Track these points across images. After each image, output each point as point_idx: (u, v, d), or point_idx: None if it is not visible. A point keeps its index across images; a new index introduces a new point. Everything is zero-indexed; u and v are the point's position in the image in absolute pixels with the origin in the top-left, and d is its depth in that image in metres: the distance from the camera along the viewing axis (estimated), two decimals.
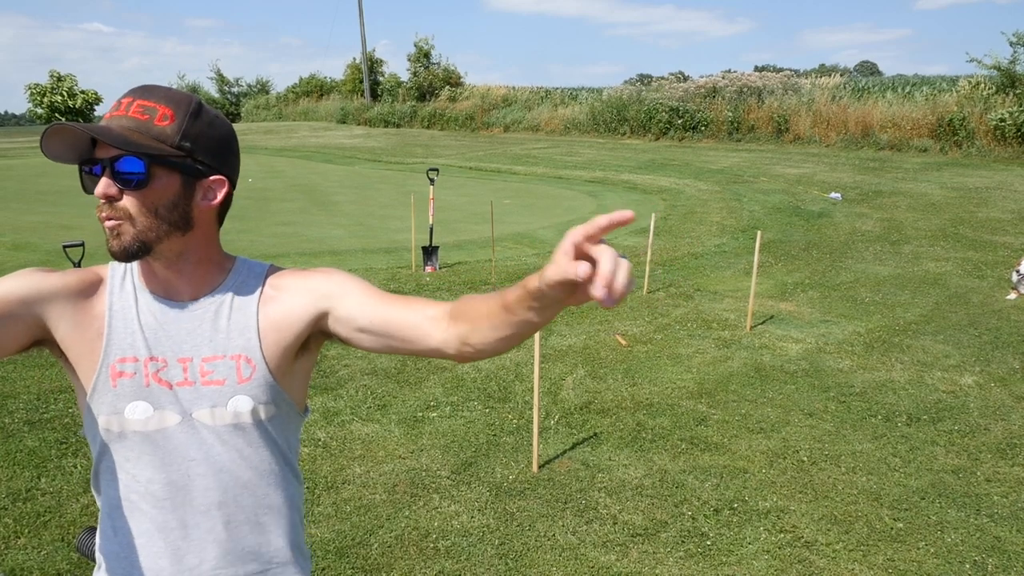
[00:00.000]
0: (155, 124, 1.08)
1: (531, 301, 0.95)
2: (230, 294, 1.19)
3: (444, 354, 1.12)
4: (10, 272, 1.14)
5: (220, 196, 1.16)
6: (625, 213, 0.80)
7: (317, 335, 1.22)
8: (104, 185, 1.06)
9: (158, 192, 1.09)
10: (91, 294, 1.16)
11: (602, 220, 0.82)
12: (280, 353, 1.18)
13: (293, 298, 1.19)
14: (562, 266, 0.84)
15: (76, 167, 1.12)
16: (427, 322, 1.12)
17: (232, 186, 1.18)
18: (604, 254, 0.81)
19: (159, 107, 1.08)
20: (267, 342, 1.17)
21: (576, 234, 0.83)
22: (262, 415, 1.17)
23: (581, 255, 0.84)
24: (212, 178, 1.14)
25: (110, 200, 1.07)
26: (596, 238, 0.83)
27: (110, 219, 1.08)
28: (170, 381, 1.14)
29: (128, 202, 1.08)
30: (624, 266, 0.80)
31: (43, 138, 1.04)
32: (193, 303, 1.17)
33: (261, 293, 1.20)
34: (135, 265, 1.18)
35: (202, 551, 1.17)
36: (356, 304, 1.17)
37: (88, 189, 1.11)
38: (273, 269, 1.25)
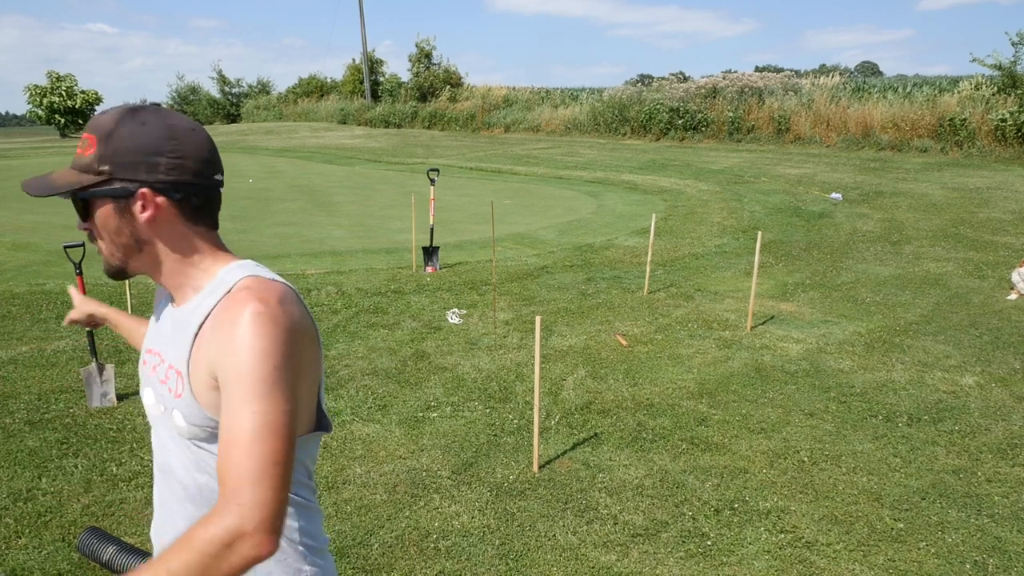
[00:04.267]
0: (84, 155, 1.13)
1: None
2: (194, 306, 1.16)
3: None
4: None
5: (152, 209, 1.12)
6: None
7: None
8: (77, 222, 1.19)
9: (101, 221, 1.15)
10: (157, 302, 1.34)
11: None
12: (204, 387, 1.12)
13: (209, 351, 1.11)
14: None
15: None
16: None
17: (190, 185, 1.13)
18: None
19: (86, 136, 1.13)
20: (193, 371, 1.13)
21: None
22: (195, 434, 1.15)
23: None
24: (141, 191, 1.11)
25: (87, 232, 1.18)
26: None
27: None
28: (161, 376, 1.21)
29: (94, 233, 1.17)
30: None
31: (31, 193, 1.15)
32: (178, 309, 1.21)
33: (208, 315, 1.13)
34: None
35: (175, 532, 1.21)
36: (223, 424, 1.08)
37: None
38: (236, 284, 1.13)
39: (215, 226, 1.21)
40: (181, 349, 1.16)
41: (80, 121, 36.46)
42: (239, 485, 1.00)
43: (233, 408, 1.04)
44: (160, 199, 1.12)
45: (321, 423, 1.24)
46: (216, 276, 1.17)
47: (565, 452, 3.92)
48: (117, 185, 1.10)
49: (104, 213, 1.13)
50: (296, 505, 1.23)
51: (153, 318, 1.32)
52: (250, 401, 1.03)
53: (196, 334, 1.13)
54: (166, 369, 1.19)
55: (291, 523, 1.22)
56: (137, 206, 1.12)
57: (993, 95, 17.98)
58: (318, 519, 1.29)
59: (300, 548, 1.23)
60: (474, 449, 3.95)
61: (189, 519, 1.19)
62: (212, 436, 1.15)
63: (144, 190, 1.11)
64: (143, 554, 2.28)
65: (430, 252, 7.88)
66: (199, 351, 1.12)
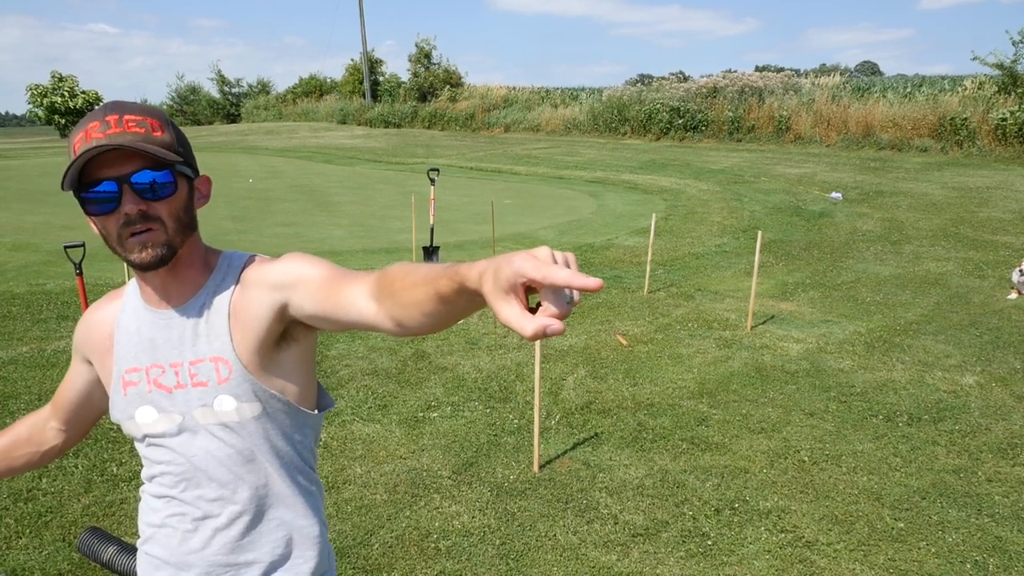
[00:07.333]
0: (154, 135, 1.12)
1: (468, 297, 0.86)
2: (210, 295, 1.21)
3: (382, 330, 1.07)
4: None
5: (204, 198, 1.24)
6: (590, 281, 0.69)
7: (295, 324, 1.20)
8: (135, 200, 1.10)
9: (180, 198, 1.16)
10: (101, 329, 1.29)
11: (560, 275, 0.70)
12: (252, 349, 1.18)
13: (254, 293, 1.18)
14: (511, 318, 0.74)
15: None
16: (361, 302, 1.07)
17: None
18: (553, 298, 0.73)
19: (147, 120, 1.12)
20: (237, 340, 1.18)
21: (528, 273, 0.72)
22: (248, 413, 1.20)
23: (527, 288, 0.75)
24: (200, 177, 1.23)
25: (142, 213, 1.11)
26: (546, 286, 0.73)
27: (143, 231, 1.12)
28: (168, 386, 1.21)
29: (157, 211, 1.13)
30: (574, 295, 0.73)
31: (75, 166, 1.07)
32: (181, 308, 1.21)
33: (233, 291, 1.21)
34: (134, 281, 1.25)
35: (206, 538, 1.25)
36: (305, 292, 1.13)
37: (97, 210, 1.12)
38: (250, 261, 1.24)
39: None
40: (213, 336, 1.19)
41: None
42: (369, 280, 1.08)
43: (321, 272, 1.15)
44: (210, 188, 1.27)
45: (323, 401, 1.33)
46: (221, 255, 1.26)
47: (565, 452, 3.92)
48: (190, 169, 1.20)
49: (181, 191, 1.17)
50: (319, 486, 1.36)
51: (120, 343, 1.26)
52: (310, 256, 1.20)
53: (230, 303, 1.19)
54: (189, 368, 1.19)
55: (321, 504, 1.36)
56: (196, 192, 1.22)
57: (994, 94, 17.97)
58: None
59: (323, 523, 1.38)
60: (474, 449, 3.95)
61: (216, 521, 1.24)
62: (265, 412, 1.21)
63: (205, 175, 1.25)
64: None
65: (430, 252, 7.88)
66: (236, 319, 1.19)
